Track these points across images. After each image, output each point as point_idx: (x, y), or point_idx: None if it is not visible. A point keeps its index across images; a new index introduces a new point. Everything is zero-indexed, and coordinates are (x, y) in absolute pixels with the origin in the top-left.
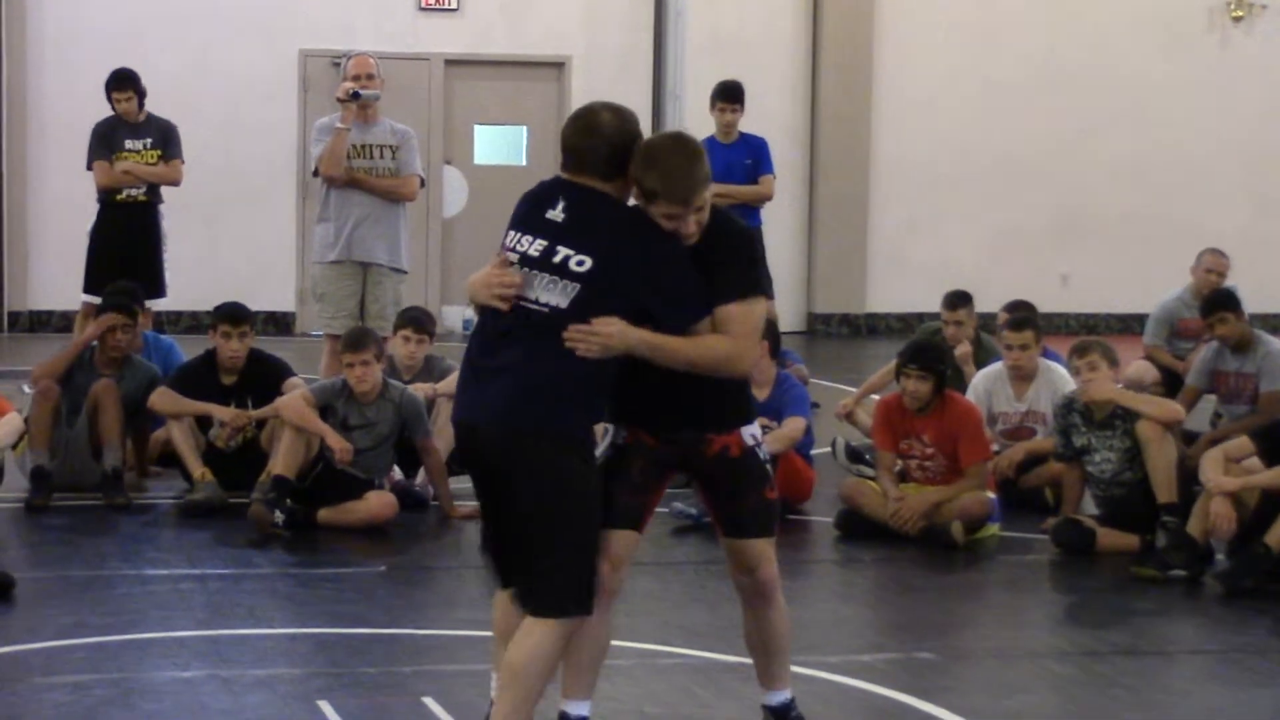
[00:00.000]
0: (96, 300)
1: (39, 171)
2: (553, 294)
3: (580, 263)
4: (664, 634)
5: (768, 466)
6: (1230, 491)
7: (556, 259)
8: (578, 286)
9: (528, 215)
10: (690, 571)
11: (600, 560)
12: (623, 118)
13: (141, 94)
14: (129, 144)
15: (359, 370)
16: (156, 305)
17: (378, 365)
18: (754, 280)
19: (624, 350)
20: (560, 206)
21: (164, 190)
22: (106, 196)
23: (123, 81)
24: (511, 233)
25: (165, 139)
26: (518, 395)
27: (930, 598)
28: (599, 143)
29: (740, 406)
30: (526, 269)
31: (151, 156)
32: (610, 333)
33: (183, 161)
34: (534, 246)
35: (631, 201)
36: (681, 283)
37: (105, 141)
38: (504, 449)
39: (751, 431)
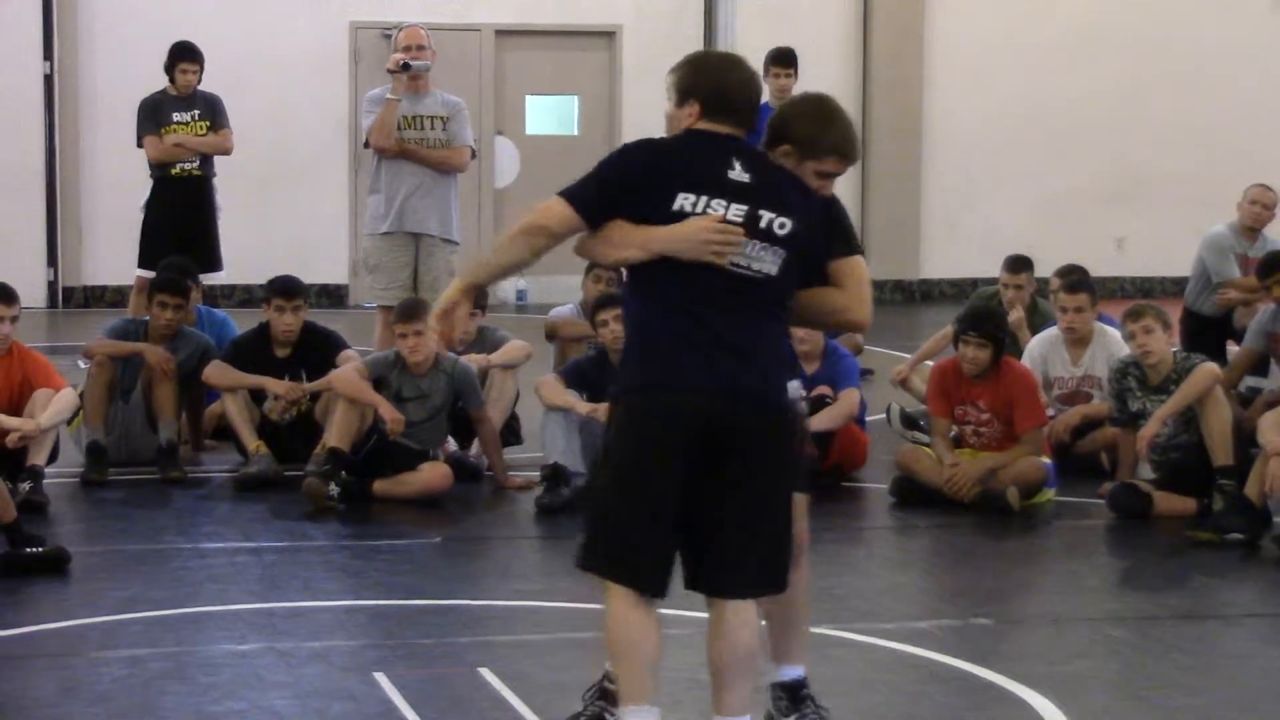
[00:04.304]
0: (150, 274)
1: (91, 149)
2: (765, 261)
3: (783, 225)
4: None
5: (807, 422)
6: None
7: (762, 223)
8: (783, 252)
9: (699, 175)
10: None
11: None
12: None
13: (203, 69)
14: (177, 117)
15: (412, 340)
16: (214, 279)
17: (431, 336)
18: (855, 240)
19: None
20: (739, 167)
21: (216, 162)
22: (160, 172)
23: (193, 54)
24: (685, 196)
25: (213, 110)
26: (753, 367)
27: (986, 564)
28: (759, 91)
29: (788, 361)
30: None
31: (200, 128)
32: None
33: (231, 131)
34: (733, 211)
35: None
36: (827, 240)
37: (153, 116)
38: (739, 422)
39: (794, 385)
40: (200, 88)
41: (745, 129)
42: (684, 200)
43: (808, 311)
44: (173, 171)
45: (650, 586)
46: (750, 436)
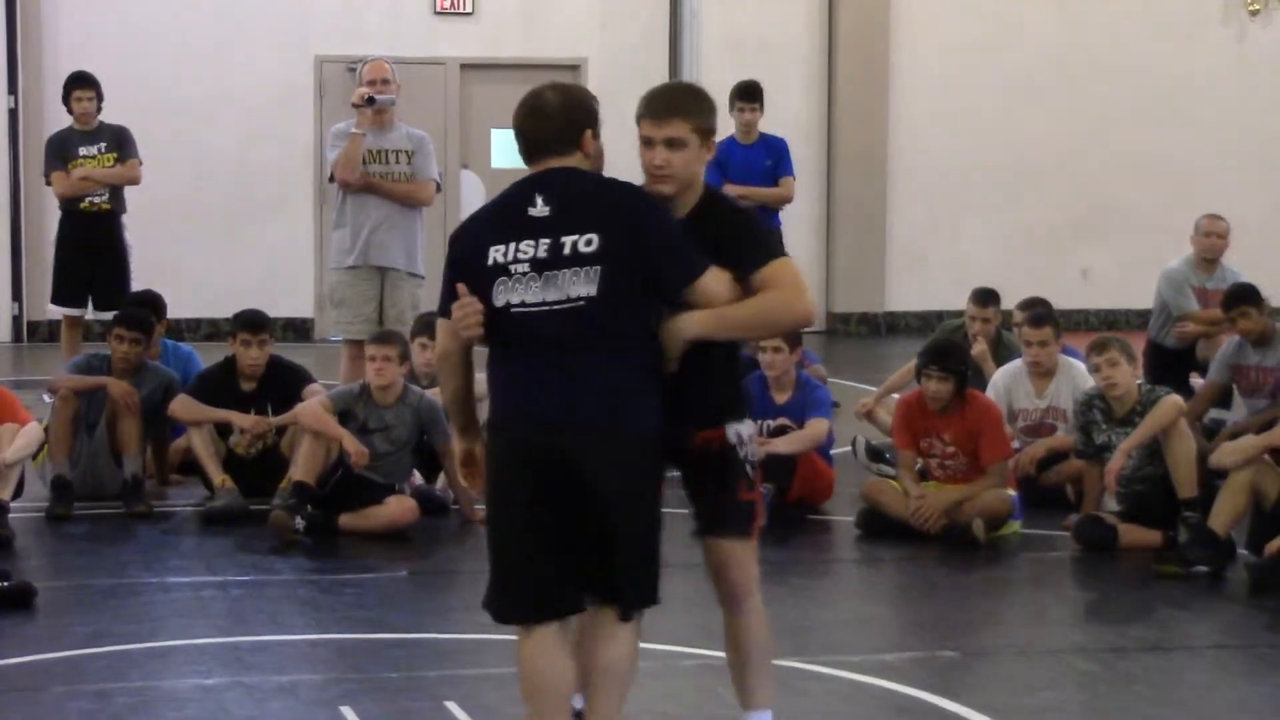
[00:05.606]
0: (71, 311)
1: None
2: (580, 285)
3: (589, 242)
4: (685, 635)
5: (749, 467)
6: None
7: (566, 250)
8: (598, 268)
9: (505, 223)
10: None
11: None
12: (568, 91)
13: (101, 97)
14: (84, 151)
15: (379, 364)
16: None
17: (399, 365)
18: (774, 245)
19: (694, 340)
20: (540, 200)
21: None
22: (69, 206)
23: (85, 81)
24: (496, 249)
25: (120, 142)
26: (591, 398)
27: (952, 596)
28: (550, 118)
29: (728, 403)
30: (546, 272)
31: (108, 160)
32: (674, 331)
33: (140, 162)
34: (540, 249)
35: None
36: (675, 234)
37: (59, 152)
38: (579, 455)
39: (737, 429)
40: (105, 120)
41: (561, 153)
42: (495, 253)
43: (754, 322)
44: (81, 205)
45: (541, 615)
46: (593, 468)
